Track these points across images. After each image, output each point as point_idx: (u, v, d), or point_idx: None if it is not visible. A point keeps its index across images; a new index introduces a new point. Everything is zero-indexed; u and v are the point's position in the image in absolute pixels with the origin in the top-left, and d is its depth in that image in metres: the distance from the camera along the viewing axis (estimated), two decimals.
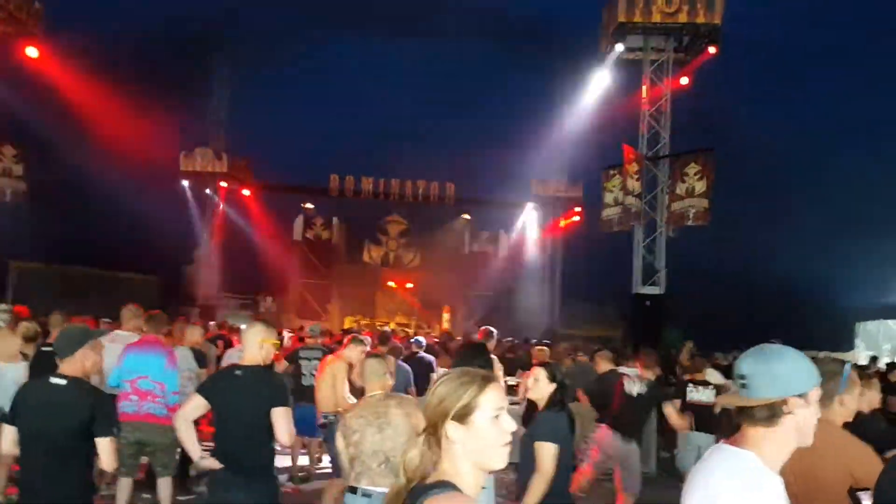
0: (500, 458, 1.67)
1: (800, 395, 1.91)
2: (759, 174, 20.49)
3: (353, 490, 3.79)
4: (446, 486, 1.62)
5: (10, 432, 3.54)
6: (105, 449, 3.49)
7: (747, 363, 1.97)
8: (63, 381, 3.52)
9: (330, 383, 6.68)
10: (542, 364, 4.32)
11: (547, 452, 3.76)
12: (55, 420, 3.47)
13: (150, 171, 23.14)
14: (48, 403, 3.50)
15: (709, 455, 2.02)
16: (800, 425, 1.92)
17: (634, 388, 6.69)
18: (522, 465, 3.97)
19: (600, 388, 7.05)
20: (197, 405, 3.98)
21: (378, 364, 4.13)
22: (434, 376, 7.50)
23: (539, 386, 4.07)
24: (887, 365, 12.42)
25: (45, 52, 16.70)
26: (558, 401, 4.01)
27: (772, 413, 1.90)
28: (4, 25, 15.89)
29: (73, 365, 3.58)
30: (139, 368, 5.88)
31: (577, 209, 24.48)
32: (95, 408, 3.50)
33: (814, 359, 2.32)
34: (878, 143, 24.67)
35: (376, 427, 3.79)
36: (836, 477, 2.89)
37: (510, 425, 1.69)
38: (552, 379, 4.06)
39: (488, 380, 1.72)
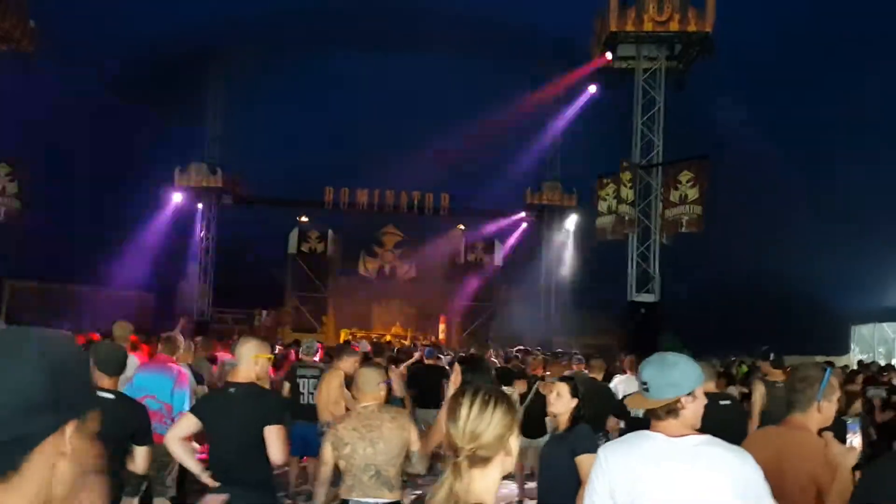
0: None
1: (688, 394, 2.41)
2: (753, 180, 20.58)
3: (345, 502, 3.78)
4: None
5: None
6: (143, 454, 3.94)
7: (648, 372, 2.46)
8: (111, 396, 3.92)
9: (327, 395, 6.82)
10: (564, 378, 4.33)
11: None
12: (108, 431, 3.64)
13: (145, 187, 23.16)
14: (102, 415, 3.73)
15: (635, 438, 2.50)
16: (690, 415, 2.44)
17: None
18: (548, 480, 3.99)
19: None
20: (188, 424, 3.99)
21: (372, 374, 4.06)
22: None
23: (562, 401, 4.07)
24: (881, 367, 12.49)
25: (39, 69, 16.72)
26: (581, 416, 4.02)
27: (669, 409, 2.41)
28: None
29: (114, 381, 4.02)
30: (147, 387, 5.90)
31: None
32: (141, 419, 3.98)
33: (798, 364, 2.61)
34: (871, 147, 24.80)
35: (368, 441, 3.77)
36: (800, 482, 2.90)
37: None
38: (574, 394, 4.08)
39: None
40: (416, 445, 3.90)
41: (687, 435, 2.41)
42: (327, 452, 3.88)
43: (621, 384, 8.13)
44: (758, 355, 7.14)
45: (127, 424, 3.86)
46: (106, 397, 3.85)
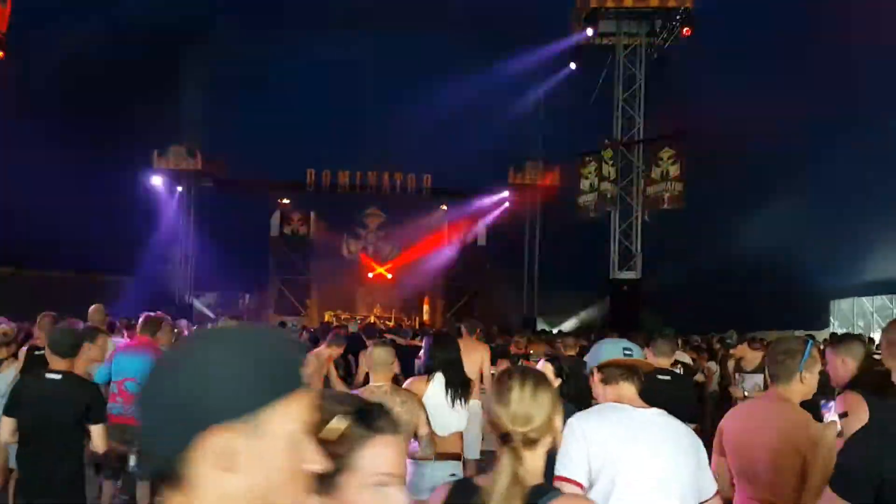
0: None
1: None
2: (734, 156, 20.64)
3: None
4: (555, 490, 1.78)
5: (8, 423, 3.89)
6: (99, 432, 3.91)
7: (625, 343, 2.79)
8: (58, 377, 3.89)
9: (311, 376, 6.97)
10: (549, 358, 4.34)
11: None
12: (56, 411, 3.85)
13: (123, 170, 22.85)
14: (49, 397, 3.87)
15: (607, 410, 2.64)
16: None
17: None
18: None
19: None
20: None
21: (385, 354, 4.08)
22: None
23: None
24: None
25: (12, 51, 16.40)
26: (564, 395, 4.03)
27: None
28: None
29: (67, 363, 3.97)
30: (127, 370, 5.85)
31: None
32: (92, 397, 3.97)
33: (779, 337, 2.76)
34: (851, 123, 24.93)
35: None
36: (783, 453, 2.94)
37: None
38: (558, 374, 4.08)
39: None
40: (424, 429, 3.92)
41: (647, 408, 2.57)
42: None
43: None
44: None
45: (76, 403, 3.86)
46: (53, 378, 3.88)
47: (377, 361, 4.04)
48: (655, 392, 4.11)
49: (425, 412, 3.99)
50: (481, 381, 6.94)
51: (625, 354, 2.69)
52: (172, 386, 0.92)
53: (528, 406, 1.78)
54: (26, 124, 17.86)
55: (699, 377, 8.52)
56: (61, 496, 3.82)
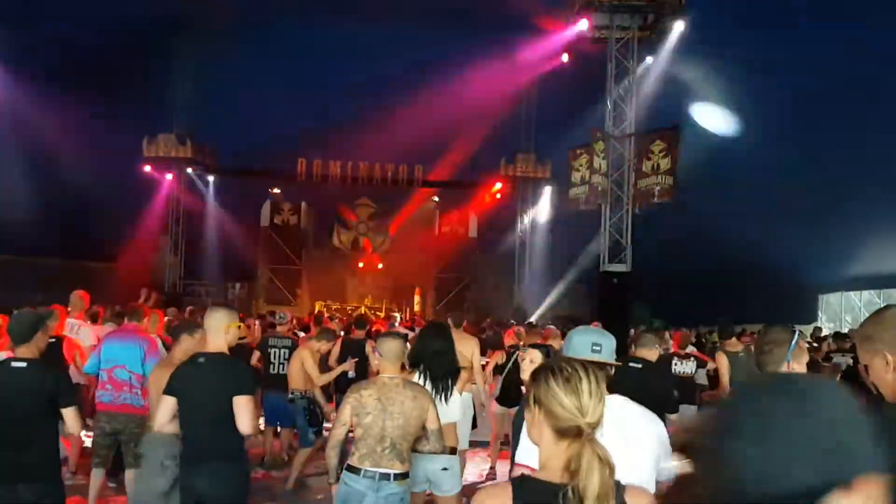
0: None
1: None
2: (725, 149, 20.72)
3: (356, 470, 3.81)
4: (618, 482, 1.76)
5: None
6: (71, 416, 3.90)
7: (594, 336, 2.76)
8: (23, 364, 3.86)
9: (298, 366, 7.21)
10: (536, 345, 4.36)
11: None
12: (22, 399, 3.81)
13: (113, 158, 22.70)
14: (14, 385, 3.83)
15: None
16: None
17: None
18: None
19: None
20: (168, 405, 3.98)
21: (396, 345, 4.07)
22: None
23: (535, 367, 4.09)
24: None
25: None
26: None
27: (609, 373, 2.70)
28: None
29: (29, 348, 3.93)
30: (116, 358, 5.85)
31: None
32: (57, 383, 3.92)
33: (764, 327, 2.77)
34: (843, 116, 25.06)
35: (389, 414, 3.82)
36: None
37: None
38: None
39: None
40: (433, 424, 3.94)
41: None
42: (346, 414, 3.88)
43: None
44: (724, 331, 7.37)
45: (42, 390, 3.83)
46: (18, 366, 3.85)
47: (389, 353, 4.03)
48: (624, 380, 4.17)
49: (435, 407, 4.01)
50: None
51: (593, 350, 2.68)
52: (824, 432, 1.07)
53: (597, 397, 1.75)
54: (12, 110, 17.72)
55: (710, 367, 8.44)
56: (35, 483, 3.81)
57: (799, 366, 3.16)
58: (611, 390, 2.55)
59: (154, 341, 6.23)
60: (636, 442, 2.50)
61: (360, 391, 3.90)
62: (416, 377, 4.44)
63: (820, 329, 15.97)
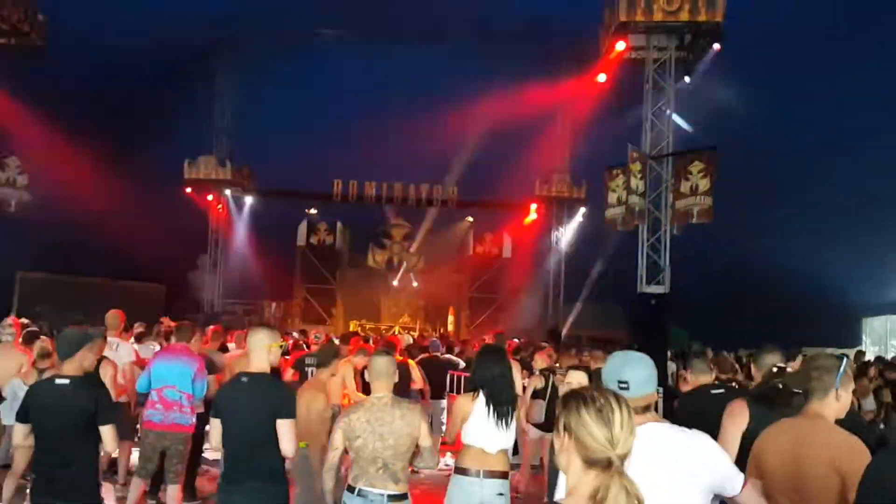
0: None
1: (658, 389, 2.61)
2: (765, 171, 20.44)
3: (351, 489, 3.82)
4: None
5: (21, 429, 4.01)
6: (108, 434, 3.95)
7: (625, 371, 2.56)
8: (66, 381, 3.95)
9: (339, 381, 7.21)
10: (578, 367, 4.31)
11: None
12: (65, 415, 3.90)
13: (155, 179, 23.22)
14: (57, 402, 3.92)
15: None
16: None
17: None
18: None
19: None
20: (219, 429, 4.03)
21: (386, 363, 4.05)
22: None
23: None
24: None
25: (48, 61, 16.76)
26: None
27: (647, 405, 2.56)
28: (7, 37, 15.96)
29: (73, 365, 4.01)
30: (166, 378, 5.95)
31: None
32: (98, 401, 3.97)
33: (812, 354, 2.77)
34: (886, 136, 24.57)
35: (378, 435, 3.80)
36: (821, 469, 2.93)
37: None
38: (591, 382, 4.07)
39: None
40: (426, 441, 3.91)
41: (647, 422, 2.50)
42: (338, 439, 3.90)
43: None
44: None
45: (84, 407, 3.90)
46: (62, 383, 3.94)
47: (378, 371, 3.99)
48: (709, 408, 4.07)
49: (427, 423, 3.98)
50: None
51: (619, 387, 2.52)
52: None
53: (628, 429, 1.74)
54: (59, 133, 18.21)
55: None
56: (73, 499, 3.88)
57: (846, 393, 3.15)
58: (692, 419, 2.56)
59: (202, 360, 6.31)
60: (676, 469, 2.41)
61: (350, 415, 3.91)
62: (482, 401, 4.38)
63: (863, 353, 15.55)
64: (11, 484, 5.78)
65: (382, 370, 4.00)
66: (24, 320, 8.14)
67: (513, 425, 4.44)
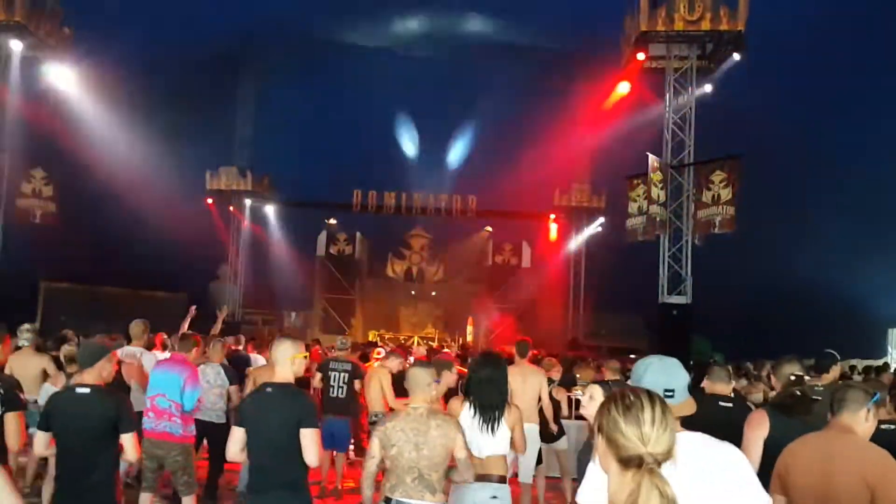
0: None
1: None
2: (788, 180, 20.22)
3: (388, 501, 3.83)
4: None
5: (42, 437, 4.06)
6: (129, 442, 4.03)
7: (668, 378, 2.46)
8: (87, 390, 4.02)
9: (378, 387, 7.67)
10: (598, 382, 4.28)
11: None
12: (86, 423, 3.97)
13: (177, 190, 23.44)
14: (78, 409, 3.99)
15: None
16: None
17: None
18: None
19: None
20: (238, 438, 4.03)
21: (423, 374, 4.05)
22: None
23: (594, 404, 4.02)
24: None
25: (73, 75, 17.02)
26: None
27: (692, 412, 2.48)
28: (34, 50, 16.22)
29: (92, 374, 4.09)
30: (159, 386, 5.97)
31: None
32: (118, 409, 4.04)
33: (840, 386, 2.93)
34: None
35: (414, 445, 3.81)
36: (852, 485, 2.95)
37: None
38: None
39: None
40: (462, 453, 3.89)
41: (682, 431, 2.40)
42: (375, 447, 3.90)
43: None
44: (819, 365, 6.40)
45: (104, 415, 3.97)
46: (82, 392, 4.01)
47: (415, 382, 4.01)
48: (716, 418, 4.05)
49: (463, 435, 3.96)
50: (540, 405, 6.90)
51: (665, 396, 2.48)
52: None
53: (661, 426, 1.69)
54: (81, 144, 18.46)
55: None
56: None
57: (875, 417, 3.23)
58: (689, 424, 2.43)
59: (195, 370, 6.30)
60: (715, 485, 2.37)
61: (387, 424, 3.91)
62: (467, 407, 4.41)
63: (888, 365, 15.28)
64: (49, 489, 5.84)
65: (419, 381, 4.01)
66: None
67: (503, 430, 4.40)
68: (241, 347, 11.42)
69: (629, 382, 2.70)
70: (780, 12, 21.90)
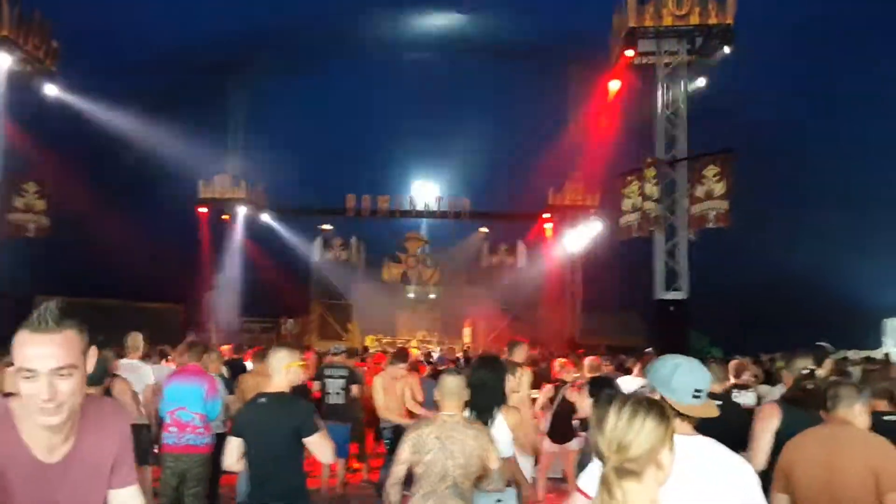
0: None
1: None
2: (781, 172, 20.25)
3: None
4: None
5: None
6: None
7: (699, 378, 2.40)
8: None
9: (402, 394, 7.70)
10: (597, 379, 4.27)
11: None
12: None
13: (170, 199, 23.40)
14: None
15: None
16: None
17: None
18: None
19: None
20: (235, 448, 4.03)
21: (456, 382, 4.00)
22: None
23: (587, 401, 4.02)
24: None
25: (62, 88, 16.98)
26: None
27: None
28: (23, 65, 16.18)
29: (97, 391, 4.21)
30: (178, 399, 5.92)
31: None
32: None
33: (832, 381, 3.09)
34: None
35: (449, 452, 3.77)
36: (858, 473, 3.01)
37: None
38: (592, 394, 4.03)
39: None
40: (494, 463, 3.88)
41: (695, 435, 2.37)
42: (405, 452, 3.84)
43: (623, 385, 8.01)
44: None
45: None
46: None
47: (448, 390, 3.96)
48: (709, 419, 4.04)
49: (494, 446, 3.94)
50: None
51: (694, 397, 2.39)
52: None
53: (622, 433, 1.68)
54: (75, 154, 18.41)
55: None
56: None
57: (867, 412, 3.35)
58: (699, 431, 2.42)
59: (214, 380, 6.29)
60: (718, 492, 2.28)
61: (421, 429, 3.87)
62: (467, 410, 4.38)
63: (889, 356, 15.31)
64: None
65: (453, 389, 3.97)
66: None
67: (503, 433, 4.36)
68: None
69: (647, 380, 2.63)
70: (770, 4, 21.96)
